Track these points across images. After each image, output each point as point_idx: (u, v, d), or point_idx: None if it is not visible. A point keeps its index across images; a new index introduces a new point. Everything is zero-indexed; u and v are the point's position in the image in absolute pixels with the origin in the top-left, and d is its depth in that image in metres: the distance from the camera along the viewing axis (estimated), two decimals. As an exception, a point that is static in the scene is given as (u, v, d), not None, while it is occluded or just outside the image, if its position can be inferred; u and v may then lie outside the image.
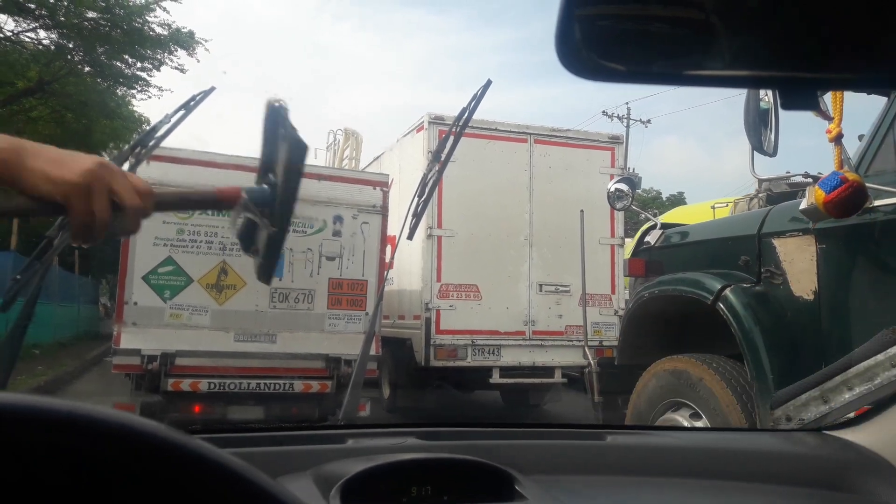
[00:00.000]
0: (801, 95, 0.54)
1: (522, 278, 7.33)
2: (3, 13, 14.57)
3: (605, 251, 7.63)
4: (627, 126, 29.70)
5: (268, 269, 1.01)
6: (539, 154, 7.50)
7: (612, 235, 7.70)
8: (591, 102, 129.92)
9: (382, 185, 6.45)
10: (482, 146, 7.27)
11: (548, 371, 7.34)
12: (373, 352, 5.88)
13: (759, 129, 3.37)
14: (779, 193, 7.58)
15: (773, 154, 3.26)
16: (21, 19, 15.00)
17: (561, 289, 7.42)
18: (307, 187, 5.90)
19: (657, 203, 29.92)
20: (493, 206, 7.28)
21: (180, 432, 0.40)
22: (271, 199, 0.95)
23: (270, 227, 0.94)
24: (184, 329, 5.69)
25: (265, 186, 0.97)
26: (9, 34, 15.31)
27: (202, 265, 5.79)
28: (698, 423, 3.47)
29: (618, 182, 5.63)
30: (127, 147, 1.30)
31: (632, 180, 5.72)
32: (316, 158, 16.56)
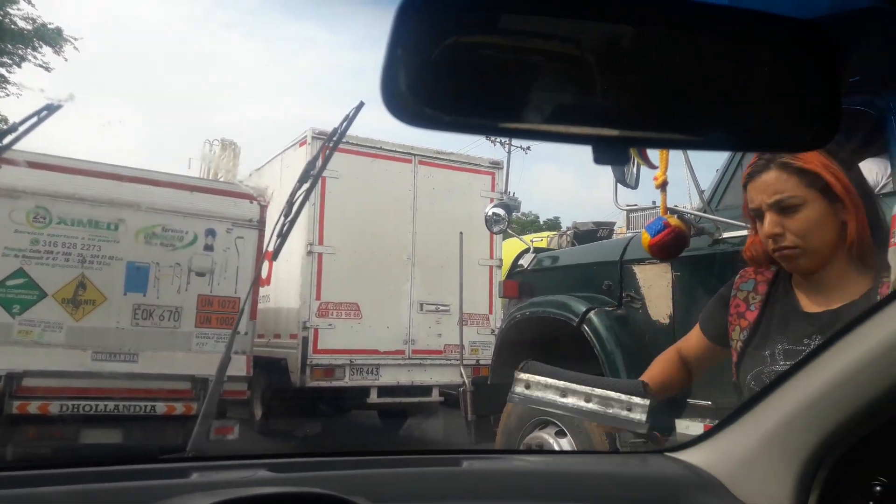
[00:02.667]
0: (611, 151, 0.58)
1: (404, 297, 7.34)
2: None
3: (485, 272, 7.81)
4: (509, 152, 30.65)
5: None
6: (423, 175, 7.58)
7: (491, 257, 7.89)
8: None
9: (260, 199, 6.24)
10: (367, 164, 7.26)
11: (426, 390, 7.37)
12: (243, 372, 5.74)
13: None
14: (585, 231, 8.18)
15: (635, 187, 3.48)
16: None
17: (441, 308, 7.50)
18: (178, 198, 5.77)
19: (535, 227, 31.05)
20: (377, 225, 7.26)
21: None
22: None
23: None
24: (34, 347, 5.28)
25: None
26: None
27: (58, 278, 5.40)
28: (563, 440, 3.59)
29: (495, 206, 5.79)
30: None
31: (508, 205, 5.90)
32: (189, 168, 15.99)
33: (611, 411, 1.40)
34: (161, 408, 5.45)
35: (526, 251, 5.47)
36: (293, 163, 7.52)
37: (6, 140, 1.17)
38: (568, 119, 0.56)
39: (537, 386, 1.49)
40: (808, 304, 1.40)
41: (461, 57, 0.53)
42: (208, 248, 5.90)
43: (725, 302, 1.53)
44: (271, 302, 7.80)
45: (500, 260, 7.93)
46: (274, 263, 7.93)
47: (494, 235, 7.67)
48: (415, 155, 7.59)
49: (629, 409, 1.38)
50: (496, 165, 8.19)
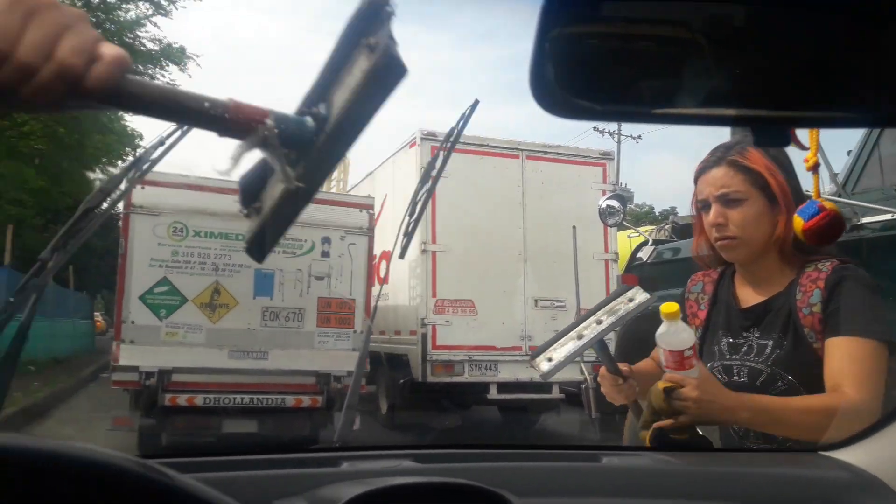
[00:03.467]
0: (773, 133, 0.56)
1: (518, 293, 7.32)
2: None
3: (600, 266, 7.64)
4: (618, 142, 29.89)
5: (263, 242, 0.69)
6: (531, 170, 7.53)
7: (606, 251, 7.72)
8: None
9: (368, 207, 6.67)
10: (475, 162, 7.30)
11: (546, 387, 7.31)
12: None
13: None
14: (683, 225, 7.70)
15: None
16: None
17: (556, 304, 7.42)
18: (319, 212, 6.12)
19: (650, 218, 30.02)
20: (487, 222, 7.30)
21: (145, 462, 0.40)
22: (309, 138, 0.63)
23: (293, 182, 0.62)
24: (179, 347, 5.86)
25: (307, 118, 0.64)
26: None
27: (196, 285, 5.95)
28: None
29: (609, 198, 5.65)
30: (121, 169, 1.27)
31: (623, 196, 5.74)
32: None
33: (621, 311, 1.48)
34: (290, 401, 5.90)
35: (644, 244, 5.30)
36: (405, 164, 7.70)
37: (156, 153, 1.27)
38: (724, 102, 0.54)
39: (555, 350, 1.49)
40: (745, 300, 1.56)
41: (611, 46, 0.53)
42: (325, 254, 6.32)
43: (681, 305, 1.62)
44: (390, 300, 8.04)
45: (616, 254, 7.74)
46: (391, 263, 8.20)
47: (609, 228, 7.51)
48: (522, 150, 7.56)
49: (631, 300, 1.50)
50: (607, 156, 7.99)
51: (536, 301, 7.38)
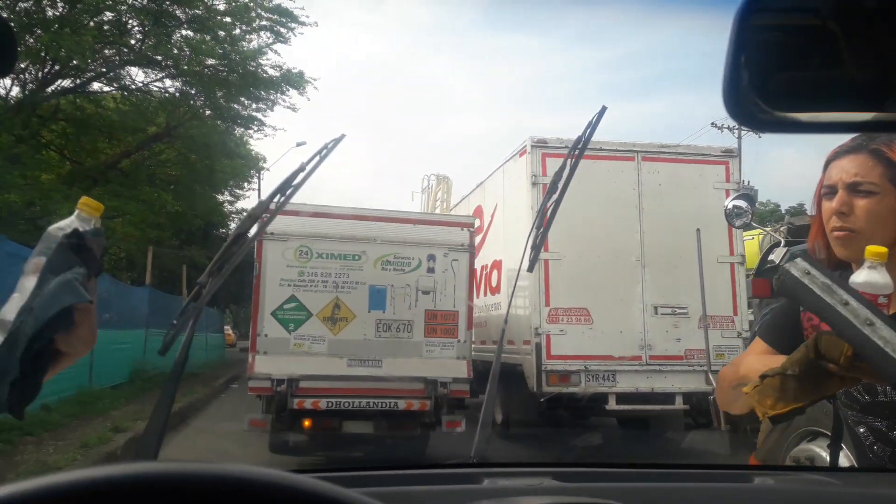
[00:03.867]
0: None
1: (636, 301, 7.06)
2: (135, 66, 15.85)
3: (725, 270, 7.23)
4: (739, 137, 28.36)
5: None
6: (648, 171, 7.25)
7: (732, 253, 7.28)
8: (697, 116, 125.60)
9: (469, 226, 7.02)
10: (587, 166, 7.07)
11: (668, 398, 6.99)
12: (464, 375, 6.62)
13: None
14: (800, 226, 7.00)
15: None
16: (150, 70, 16.19)
17: (678, 311, 7.09)
18: (405, 230, 6.72)
19: (776, 216, 28.17)
20: (601, 227, 7.09)
21: (316, 481, 0.43)
22: None
23: None
24: (305, 356, 6.47)
25: None
26: (140, 84, 16.64)
27: (319, 301, 6.57)
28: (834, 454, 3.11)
29: (736, 198, 5.32)
30: (266, 197, 1.34)
31: (750, 195, 5.43)
32: (413, 201, 18.89)
33: None
34: (401, 404, 6.32)
35: (776, 245, 4.95)
36: (514, 173, 7.65)
37: (299, 178, 1.33)
38: None
39: (815, 280, 1.19)
40: None
41: (813, 53, 0.46)
42: (430, 270, 6.76)
43: (791, 315, 1.50)
44: (502, 309, 7.99)
45: (742, 256, 7.30)
46: (503, 271, 8.15)
47: (734, 230, 7.10)
48: (637, 151, 7.30)
49: None
50: (730, 154, 7.56)
51: (656, 308, 7.08)
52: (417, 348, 6.65)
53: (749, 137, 28.80)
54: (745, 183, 16.66)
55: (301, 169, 1.34)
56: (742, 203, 5.06)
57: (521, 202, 7.27)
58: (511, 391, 7.29)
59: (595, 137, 7.37)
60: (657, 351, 7.02)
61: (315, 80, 16.51)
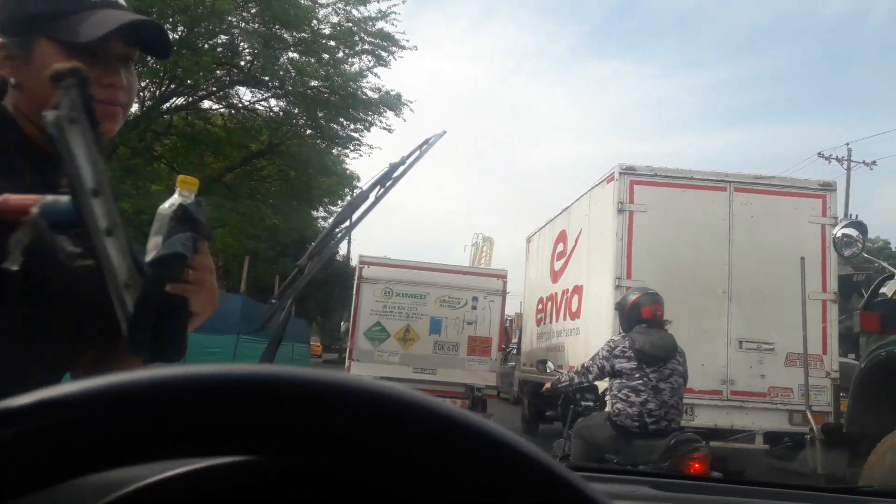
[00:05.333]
0: None
1: (720, 334, 6.91)
2: (243, 85, 16.83)
3: (816, 307, 6.95)
4: (848, 169, 26.93)
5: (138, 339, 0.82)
6: (740, 203, 7.10)
7: (825, 290, 7.02)
8: (801, 145, 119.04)
9: (503, 276, 10.09)
10: (676, 195, 7.08)
11: (748, 437, 6.78)
12: (494, 383, 9.88)
13: None
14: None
15: None
16: (256, 90, 17.15)
17: (764, 346, 6.89)
18: (457, 279, 9.42)
19: (884, 254, 26.47)
20: (688, 258, 7.00)
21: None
22: (72, 217, 0.73)
23: (73, 259, 0.73)
24: (384, 364, 9.34)
25: (66, 198, 0.74)
26: (246, 103, 17.68)
27: (396, 326, 9.57)
28: None
29: (846, 226, 5.12)
30: (367, 187, 1.38)
31: (862, 224, 5.22)
32: (464, 252, 26.58)
33: None
34: (448, 402, 7.52)
35: (889, 277, 4.76)
36: (601, 200, 7.67)
37: (398, 171, 1.38)
38: None
39: None
40: None
41: None
42: (473, 307, 9.64)
43: None
44: (580, 334, 8.00)
45: (836, 293, 7.02)
46: (583, 297, 8.16)
47: (828, 265, 6.85)
48: (730, 182, 7.16)
49: None
50: (827, 187, 7.30)
51: (741, 343, 6.90)
52: (462, 363, 9.52)
53: (859, 169, 27.24)
54: (853, 217, 15.81)
55: (401, 162, 1.37)
56: (852, 232, 4.83)
57: (607, 228, 7.29)
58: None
59: (686, 166, 7.33)
60: (739, 386, 6.84)
61: (412, 102, 16.91)
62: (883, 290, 6.50)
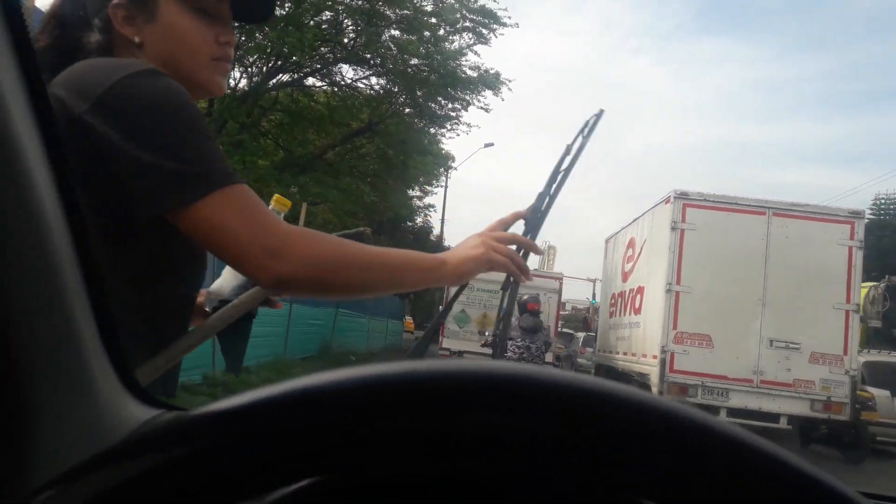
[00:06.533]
0: None
1: (753, 333, 8.40)
2: (346, 63, 16.59)
3: (840, 315, 8.32)
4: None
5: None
6: (777, 225, 8.52)
7: (848, 302, 8.36)
8: None
9: (559, 278, 15.09)
10: (722, 217, 8.59)
11: (773, 417, 8.29)
12: (550, 360, 12.51)
13: None
14: None
15: None
16: (359, 68, 16.86)
17: (791, 345, 8.34)
18: (534, 282, 11.88)
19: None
20: (730, 269, 8.50)
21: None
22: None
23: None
24: (466, 341, 13.93)
25: None
26: (349, 81, 17.38)
27: (476, 313, 13.88)
28: None
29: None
30: (545, 187, 1.25)
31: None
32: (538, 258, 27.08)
33: None
34: None
35: None
36: (660, 217, 9.26)
37: (566, 162, 1.27)
38: None
39: None
40: None
41: None
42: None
43: None
44: (640, 327, 9.65)
45: (857, 305, 8.36)
46: (645, 296, 9.80)
47: (853, 281, 8.20)
48: (769, 207, 8.59)
49: None
50: (856, 215, 8.59)
51: (771, 342, 8.38)
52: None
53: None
54: None
55: (567, 152, 1.37)
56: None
57: (663, 242, 8.90)
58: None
59: (732, 193, 9.33)
60: (768, 377, 8.33)
61: (510, 81, 16.46)
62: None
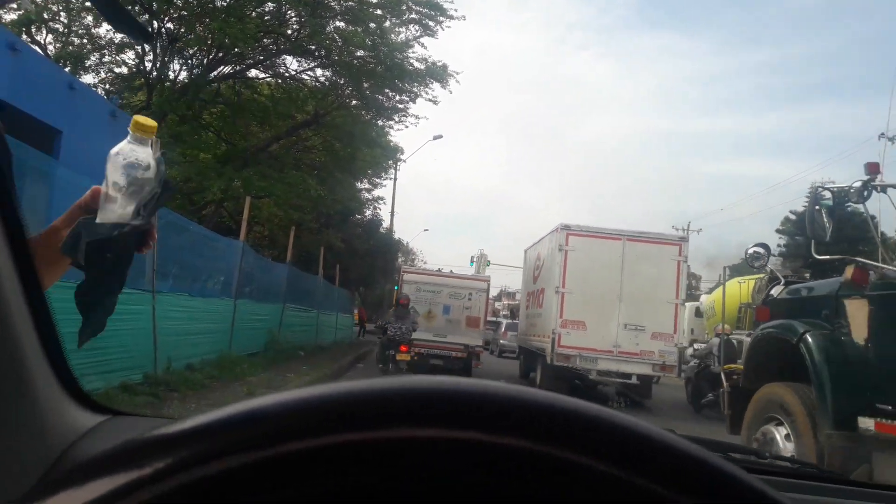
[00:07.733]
0: None
1: (613, 319, 12.37)
2: (290, 54, 16.08)
3: (671, 307, 12.40)
4: None
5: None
6: (629, 247, 12.51)
7: (677, 297, 12.46)
8: (860, 126, 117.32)
9: (486, 280, 17.60)
10: (592, 242, 12.57)
11: (627, 376, 12.33)
12: (480, 343, 16.33)
13: (822, 222, 4.63)
14: (782, 274, 11.37)
15: (827, 239, 4.63)
16: (303, 59, 16.35)
17: (639, 327, 12.36)
18: (461, 282, 17.52)
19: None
20: (597, 278, 12.40)
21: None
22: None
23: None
24: (419, 332, 14.39)
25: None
26: (293, 72, 16.87)
27: (423, 308, 15.57)
28: (783, 431, 4.48)
29: (755, 246, 6.55)
30: None
31: (767, 245, 6.75)
32: (472, 264, 35.97)
33: None
34: (454, 354, 15.37)
35: (777, 283, 6.19)
36: (552, 241, 13.17)
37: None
38: None
39: None
40: None
41: None
42: (469, 298, 16.20)
43: None
44: (541, 317, 13.61)
45: (683, 300, 12.50)
46: (545, 295, 13.75)
47: (680, 281, 12.27)
48: (623, 234, 12.60)
49: None
50: (682, 239, 12.78)
51: (626, 325, 12.38)
52: (462, 331, 15.69)
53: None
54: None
55: None
56: (760, 249, 6.36)
57: (555, 258, 12.83)
58: (542, 363, 12.95)
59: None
60: (623, 349, 12.35)
61: (458, 73, 16.56)
62: (772, 291, 8.51)
